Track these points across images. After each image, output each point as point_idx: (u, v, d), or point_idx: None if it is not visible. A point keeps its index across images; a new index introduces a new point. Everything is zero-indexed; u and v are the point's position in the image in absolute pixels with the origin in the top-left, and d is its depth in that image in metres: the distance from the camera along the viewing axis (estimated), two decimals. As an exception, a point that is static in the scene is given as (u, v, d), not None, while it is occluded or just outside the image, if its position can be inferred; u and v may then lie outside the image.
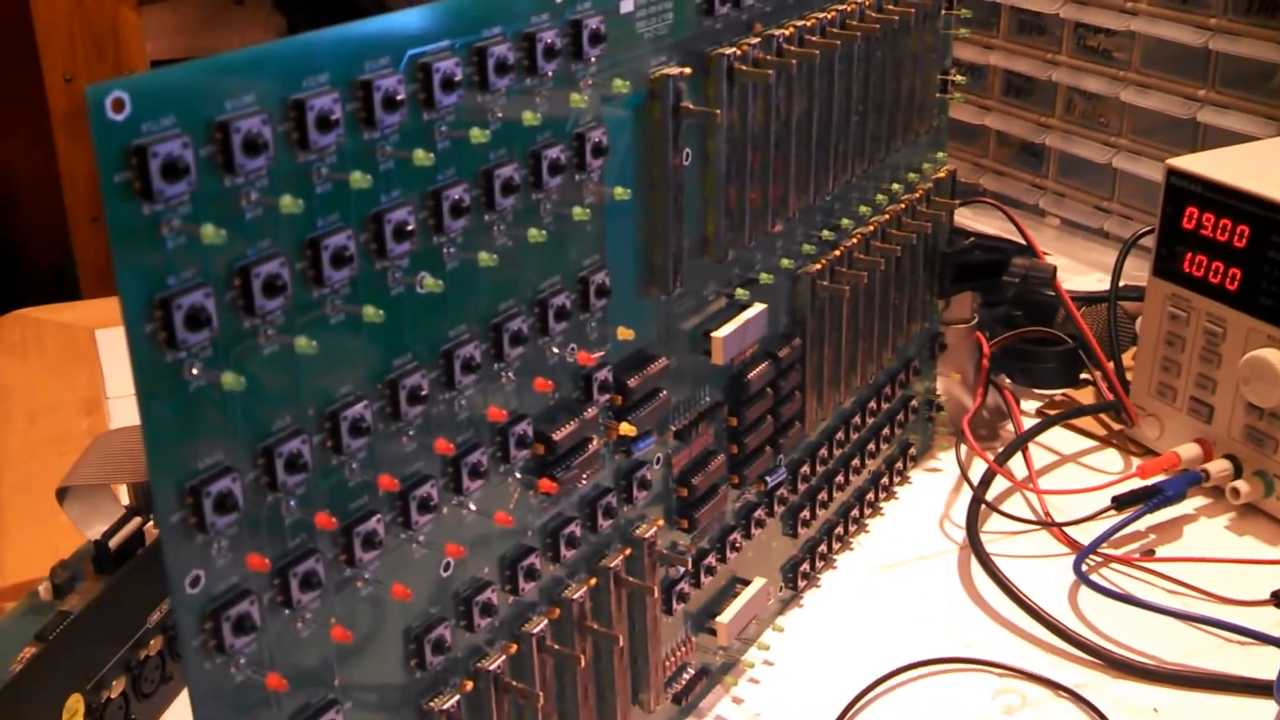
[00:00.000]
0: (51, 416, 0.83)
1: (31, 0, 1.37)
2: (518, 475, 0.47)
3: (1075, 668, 0.63)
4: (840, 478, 0.69)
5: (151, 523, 0.61)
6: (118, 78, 0.31)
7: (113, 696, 0.56)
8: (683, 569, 0.57)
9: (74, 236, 1.48)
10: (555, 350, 0.47)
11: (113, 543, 0.58)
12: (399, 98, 0.38)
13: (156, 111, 0.32)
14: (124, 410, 0.83)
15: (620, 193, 0.47)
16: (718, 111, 0.50)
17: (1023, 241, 0.78)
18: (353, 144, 0.38)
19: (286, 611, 0.39)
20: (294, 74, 0.36)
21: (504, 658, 0.47)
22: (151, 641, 0.58)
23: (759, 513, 0.62)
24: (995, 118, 1.06)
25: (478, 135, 0.40)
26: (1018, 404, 0.81)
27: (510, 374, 0.46)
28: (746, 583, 0.63)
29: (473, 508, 0.45)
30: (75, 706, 0.54)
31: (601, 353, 0.49)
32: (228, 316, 0.35)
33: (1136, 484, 0.73)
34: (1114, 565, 0.70)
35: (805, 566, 0.68)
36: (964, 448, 0.78)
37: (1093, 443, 0.81)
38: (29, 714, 0.52)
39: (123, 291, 0.33)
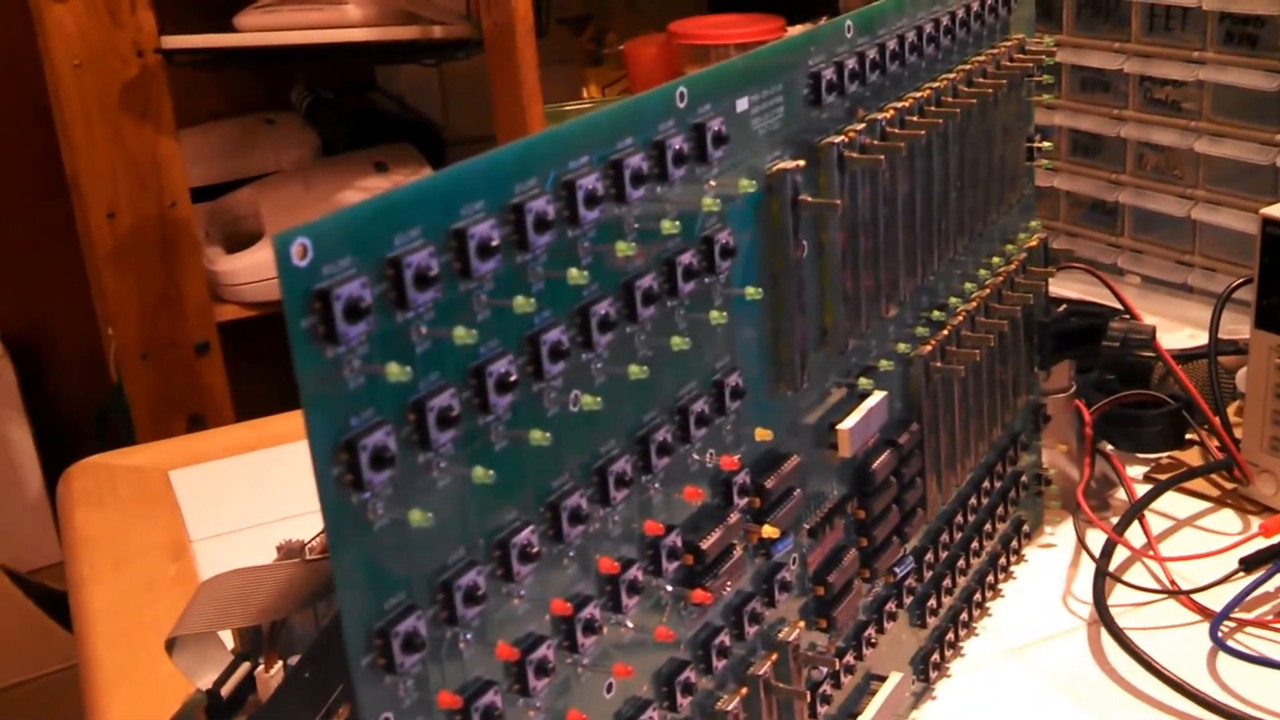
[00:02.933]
0: (137, 564, 0.84)
1: (69, 137, 1.40)
2: (669, 588, 0.48)
3: (1226, 739, 0.63)
4: (961, 562, 0.69)
5: (261, 668, 0.61)
6: (299, 227, 0.32)
7: None
8: (826, 669, 0.57)
9: (125, 375, 1.50)
10: (696, 457, 0.48)
11: (224, 690, 0.59)
12: (549, 217, 0.39)
13: (335, 253, 0.33)
14: (209, 552, 0.83)
15: (752, 292, 0.48)
16: (839, 201, 0.51)
17: (1112, 304, 0.79)
18: (507, 268, 0.39)
19: (471, 753, 0.40)
20: (454, 203, 0.37)
21: (669, 777, 0.48)
22: (283, 790, 0.59)
23: (890, 605, 0.63)
24: (1064, 179, 1.08)
25: (623, 249, 0.41)
26: (1125, 470, 0.82)
27: (657, 485, 0.46)
28: (881, 679, 0.63)
29: (630, 625, 0.46)
30: None
31: (739, 455, 0.50)
32: (405, 453, 0.36)
33: (1262, 543, 0.73)
34: (1249, 629, 0.70)
35: (935, 656, 0.68)
36: (1078, 521, 0.78)
37: (1207, 504, 0.82)
38: None
39: (312, 436, 0.34)
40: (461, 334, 0.36)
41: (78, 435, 1.84)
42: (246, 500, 0.80)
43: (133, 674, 0.74)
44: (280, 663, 0.62)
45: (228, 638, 0.63)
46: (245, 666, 0.60)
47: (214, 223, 1.63)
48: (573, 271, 0.40)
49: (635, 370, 0.43)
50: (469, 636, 0.39)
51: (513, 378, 0.38)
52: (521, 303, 0.38)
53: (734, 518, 0.50)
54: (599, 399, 0.42)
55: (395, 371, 0.34)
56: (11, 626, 1.30)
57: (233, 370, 1.54)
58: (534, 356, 0.40)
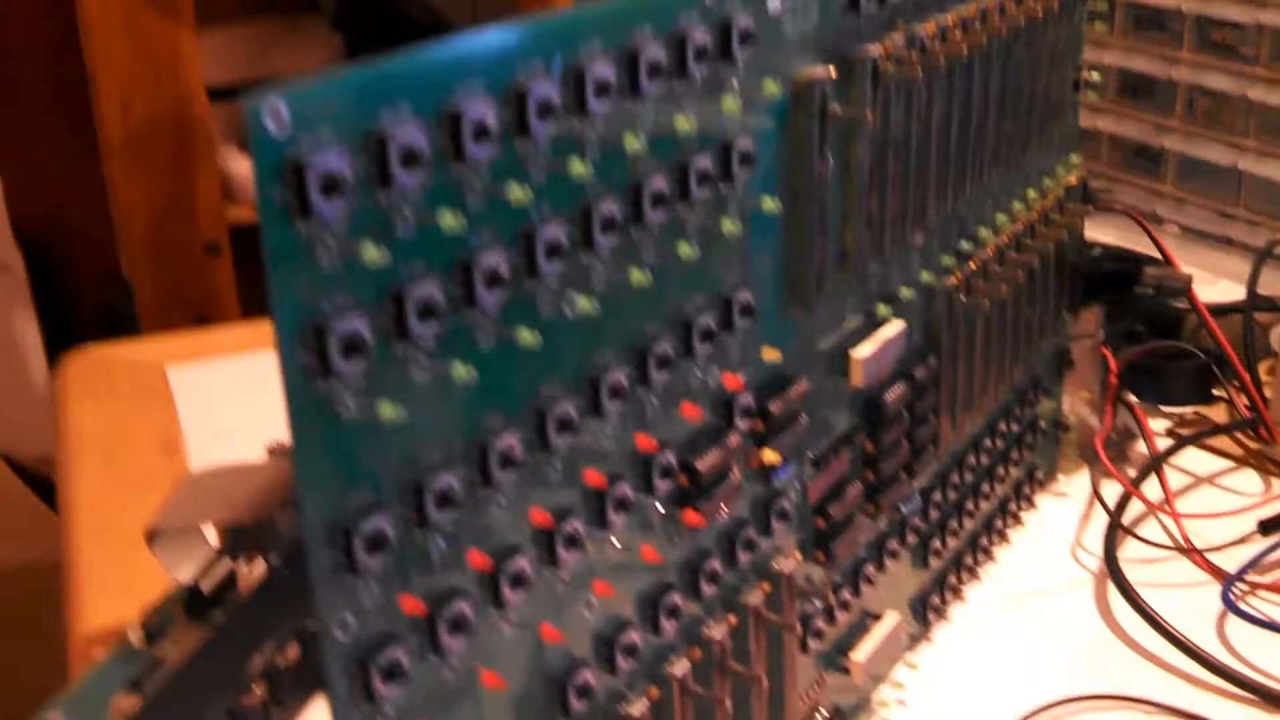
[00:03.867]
0: (128, 457, 0.83)
1: (87, 24, 1.37)
2: (660, 508, 0.46)
3: (1229, 704, 0.61)
4: (970, 504, 0.67)
5: (244, 564, 0.60)
6: (277, 90, 0.30)
7: (220, 746, 0.55)
8: (820, 603, 0.55)
9: (132, 270, 1.48)
10: (698, 374, 0.46)
11: (205, 586, 0.58)
12: (554, 104, 0.37)
13: (315, 121, 0.31)
14: (202, 450, 0.82)
15: (770, 204, 0.46)
16: (870, 115, 0.49)
17: (1150, 252, 0.76)
18: (505, 156, 0.36)
19: (434, 658, 0.38)
20: (449, 81, 0.34)
21: (646, 704, 0.46)
22: (255, 689, 0.57)
23: (892, 543, 0.61)
24: (1109, 120, 1.04)
25: (633, 145, 0.39)
26: (1147, 423, 0.79)
27: (655, 400, 0.44)
28: (878, 617, 0.61)
29: (616, 543, 0.44)
30: (183, 759, 0.53)
31: (744, 375, 0.48)
32: (381, 344, 0.34)
33: (1284, 507, 0.71)
34: (1262, 593, 0.68)
35: (935, 599, 0.66)
36: (1095, 471, 0.76)
37: (1229, 463, 0.79)
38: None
39: (277, 320, 0.31)
40: (449, 220, 0.34)
41: (86, 329, 1.82)
42: (243, 401, 0.78)
43: (114, 566, 0.72)
44: (263, 561, 0.60)
45: (212, 536, 0.62)
46: (227, 563, 0.59)
47: (231, 124, 1.60)
48: (576, 165, 0.37)
49: (638, 276, 0.41)
50: (440, 542, 0.37)
51: (503, 273, 0.36)
52: (518, 193, 0.36)
53: (734, 440, 0.48)
54: (596, 304, 0.40)
55: (372, 254, 0.32)
56: (6, 510, 1.29)
57: (241, 274, 1.52)
58: (528, 253, 0.38)
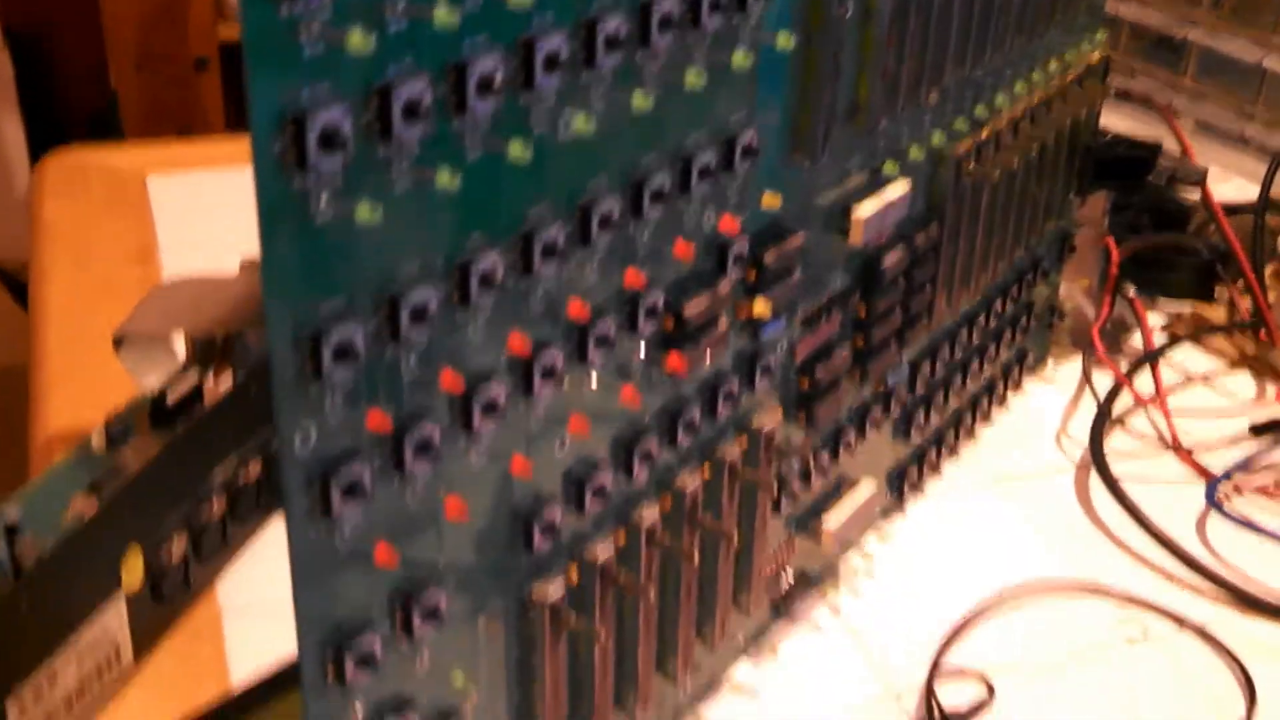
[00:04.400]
0: (101, 263, 0.81)
1: None
2: (643, 350, 0.44)
3: (1204, 602, 0.61)
4: (957, 382, 0.66)
5: (211, 379, 0.58)
6: None
7: (173, 556, 0.54)
8: (797, 464, 0.54)
9: (117, 78, 1.45)
10: (695, 214, 0.44)
11: (170, 398, 0.56)
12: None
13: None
14: (178, 262, 0.80)
15: (784, 40, 0.44)
16: (895, -43, 0.47)
17: (1166, 144, 0.74)
18: (509, -45, 0.34)
19: (397, 479, 0.36)
20: None
21: (612, 547, 0.45)
22: (214, 501, 0.56)
23: (875, 412, 0.59)
24: (1132, 8, 1.01)
25: (644, -43, 0.37)
26: (1146, 316, 0.78)
27: (647, 236, 0.42)
28: (853, 485, 0.60)
29: (594, 381, 0.42)
30: (134, 562, 0.52)
31: (741, 220, 0.46)
32: (362, 142, 0.32)
33: (1277, 412, 0.70)
34: (1248, 496, 0.67)
35: (913, 473, 0.65)
36: (1087, 360, 0.75)
37: (1224, 364, 0.78)
38: (87, 566, 0.50)
39: (254, 105, 0.30)
40: (444, 17, 0.32)
41: (71, 134, 1.79)
42: (222, 215, 0.76)
43: (80, 371, 0.71)
44: (230, 377, 0.59)
45: (180, 348, 0.60)
46: (194, 376, 0.57)
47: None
48: (581, -30, 0.35)
49: (640, 100, 0.39)
50: (412, 360, 0.36)
51: (497, 80, 0.34)
52: (518, -4, 0.34)
53: (725, 287, 0.46)
54: (594, 125, 0.38)
55: (358, 42, 0.30)
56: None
57: (230, 94, 1.48)
58: (526, 63, 0.36)
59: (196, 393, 0.57)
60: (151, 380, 0.58)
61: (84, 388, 0.69)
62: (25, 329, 0.77)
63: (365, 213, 0.32)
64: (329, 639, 0.36)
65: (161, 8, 1.40)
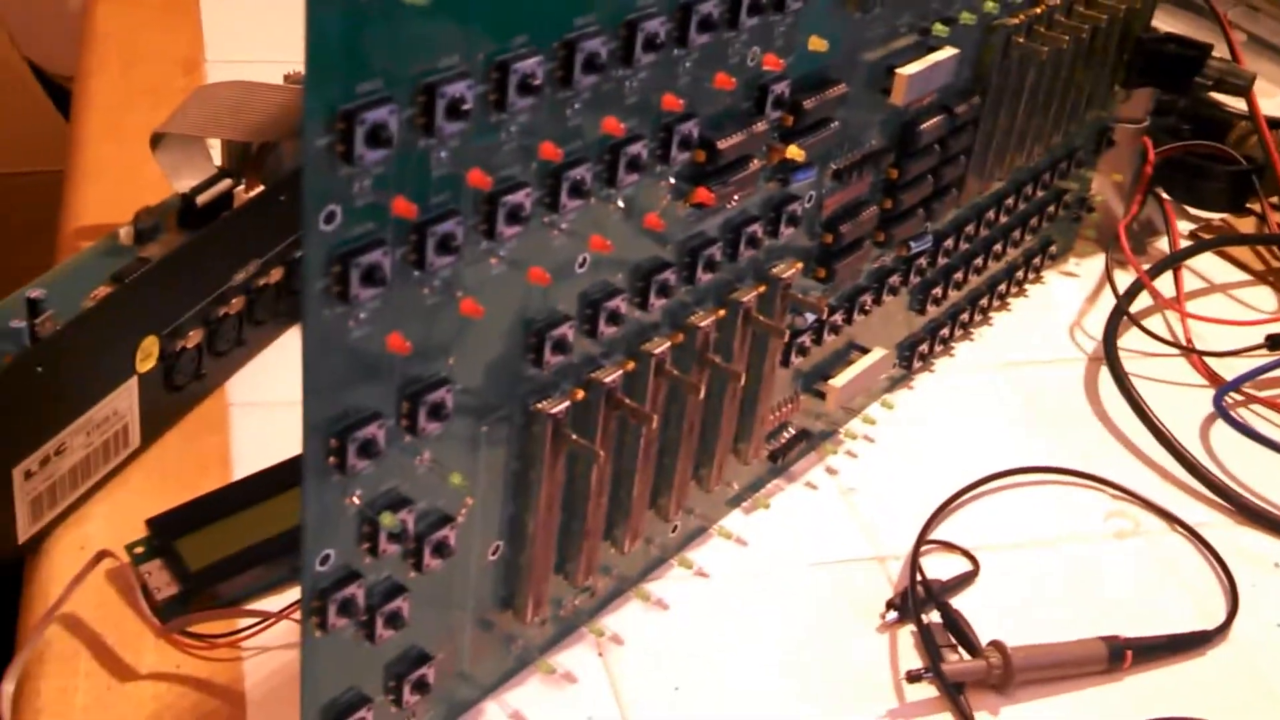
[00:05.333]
0: (148, 68, 0.81)
1: None
2: (672, 180, 0.44)
3: (1198, 505, 0.61)
4: (979, 261, 0.66)
5: (242, 187, 0.59)
6: None
7: (187, 347, 0.55)
8: (813, 318, 0.54)
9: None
10: (739, 49, 0.44)
11: (201, 199, 0.57)
12: None
13: None
14: (224, 74, 0.79)
15: (850, -121, 0.43)
16: None
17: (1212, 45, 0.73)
18: None
19: (417, 272, 0.37)
20: None
21: (620, 373, 0.45)
22: (233, 301, 0.57)
23: (894, 279, 0.60)
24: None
25: None
26: (1175, 220, 0.77)
27: (689, 64, 0.42)
28: (864, 350, 0.60)
29: (621, 204, 0.42)
30: (150, 349, 0.53)
31: (786, 62, 0.46)
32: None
33: (1293, 327, 0.70)
34: (1256, 407, 0.67)
35: (924, 348, 0.65)
36: (1110, 256, 0.74)
37: (1248, 276, 0.78)
38: (103, 346, 0.51)
39: None
40: None
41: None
42: (272, 34, 0.76)
43: (115, 168, 0.71)
44: (261, 186, 0.59)
45: (218, 155, 0.60)
46: (226, 182, 0.58)
47: None
48: None
49: (697, -82, 0.38)
50: (443, 154, 0.36)
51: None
52: None
53: (761, 126, 0.46)
54: (647, -64, 0.37)
55: None
56: (28, 120, 1.27)
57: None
58: None
59: (227, 197, 0.58)
60: (185, 181, 0.58)
61: (119, 185, 0.69)
62: (66, 137, 0.78)
63: (413, -7, 0.31)
64: (334, 423, 0.37)
65: None
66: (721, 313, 0.49)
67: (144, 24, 0.86)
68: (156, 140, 0.59)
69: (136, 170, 0.62)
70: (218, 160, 0.60)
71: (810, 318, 0.54)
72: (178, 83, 0.79)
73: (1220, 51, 0.73)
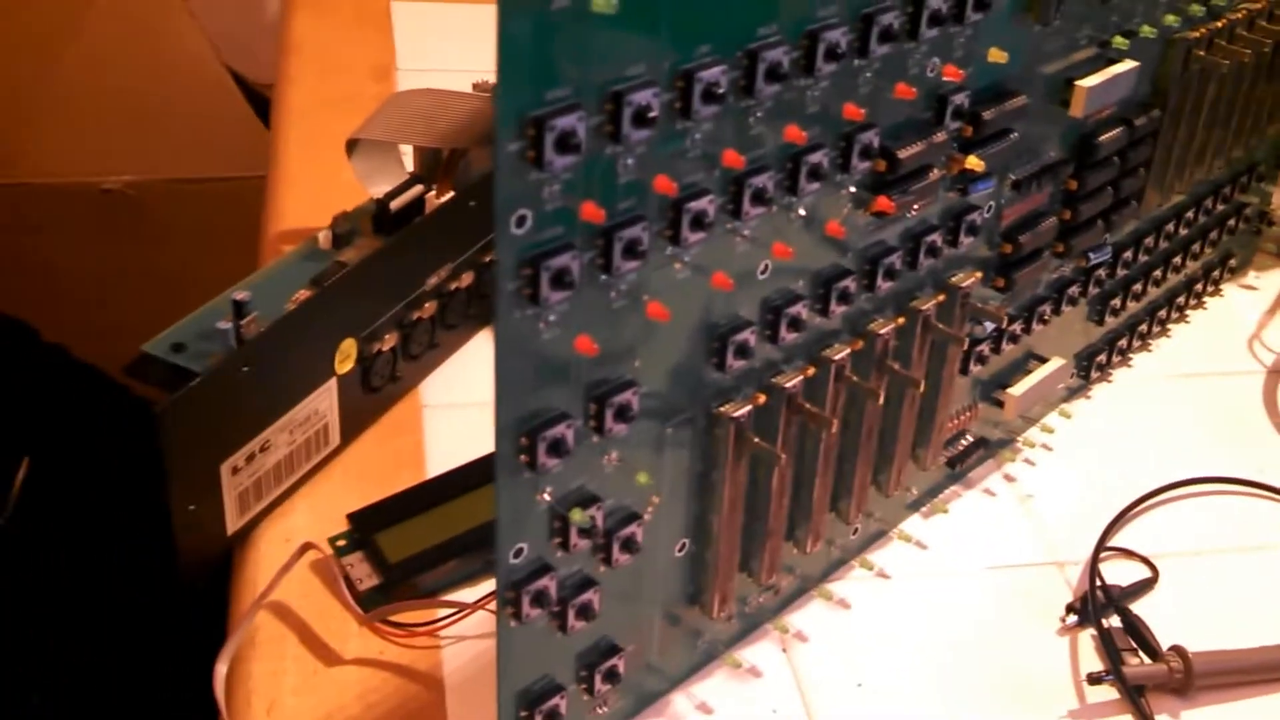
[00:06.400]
0: (341, 77, 0.81)
1: None
2: (852, 189, 0.43)
3: (1375, 520, 0.58)
4: (1158, 273, 0.63)
5: (433, 193, 0.59)
6: None
7: (383, 350, 0.55)
8: (992, 327, 0.52)
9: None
10: (919, 58, 0.42)
11: (394, 204, 0.57)
12: None
13: None
14: (415, 82, 0.80)
15: (1030, -110, 0.41)
16: None
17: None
18: None
19: (604, 277, 0.36)
20: None
21: (800, 379, 0.44)
22: (425, 305, 0.57)
23: (1073, 290, 0.57)
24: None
25: None
26: (1357, 234, 0.73)
27: (870, 74, 0.41)
28: (1043, 360, 0.58)
29: (802, 212, 0.41)
30: (349, 350, 0.53)
31: (966, 73, 0.44)
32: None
33: None
34: None
35: (1102, 358, 0.62)
36: (1291, 268, 0.71)
37: None
38: (305, 348, 0.51)
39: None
40: None
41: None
42: (461, 44, 0.76)
43: (312, 173, 0.72)
44: (452, 193, 0.59)
45: (409, 162, 0.61)
46: (418, 188, 0.58)
47: None
48: None
49: (879, -72, 0.37)
50: (629, 161, 0.35)
51: (743, -112, 0.33)
52: None
53: (941, 136, 0.44)
54: (830, -54, 0.36)
55: None
56: (230, 128, 1.30)
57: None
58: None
59: (419, 203, 0.58)
60: (379, 187, 0.58)
61: (316, 190, 0.70)
62: (266, 144, 0.79)
63: (601, 3, 0.31)
64: (525, 422, 0.36)
65: None
66: (901, 320, 0.47)
67: (338, 33, 0.87)
68: (351, 147, 0.59)
69: (334, 175, 0.62)
70: (410, 166, 0.60)
71: (989, 327, 0.52)
72: (370, 90, 0.79)
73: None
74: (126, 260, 1.27)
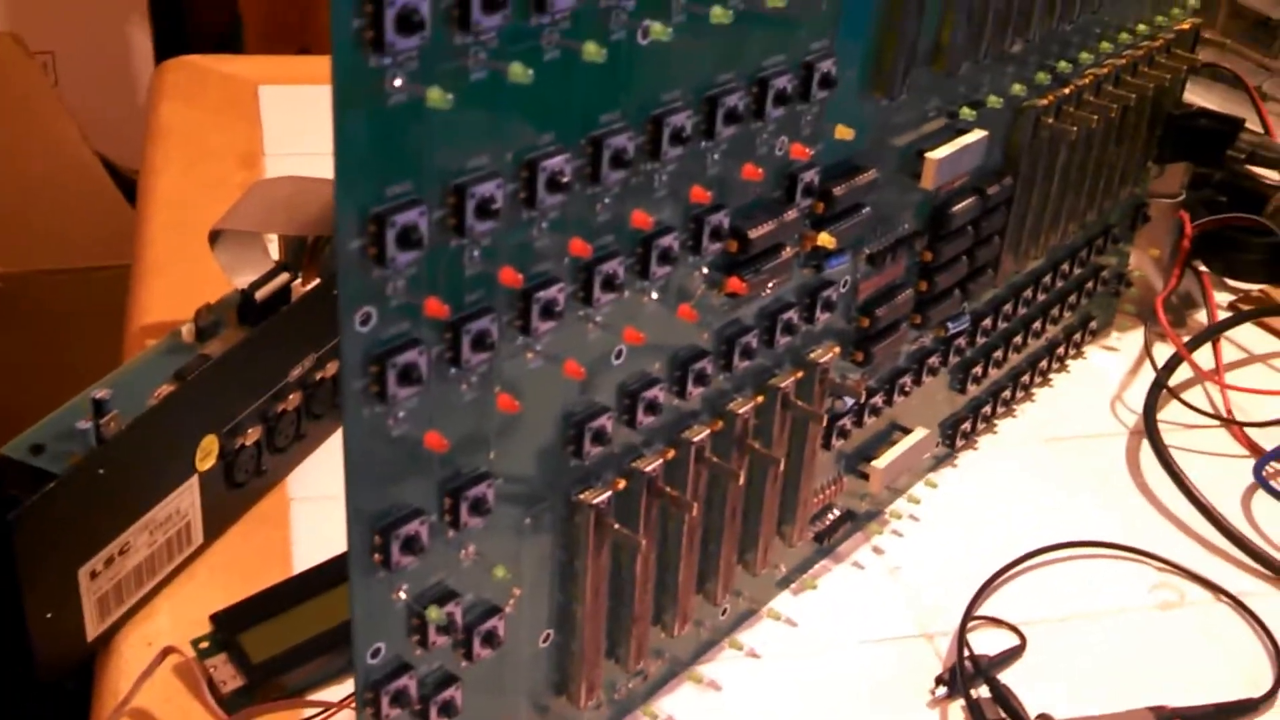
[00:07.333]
0: (209, 165, 0.81)
1: None
2: (705, 270, 0.43)
3: (1242, 575, 0.59)
4: (1018, 339, 0.65)
5: (299, 280, 0.58)
6: None
7: (247, 444, 0.54)
8: (852, 401, 0.53)
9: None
10: (767, 139, 0.43)
11: (259, 294, 0.56)
12: None
13: None
14: (282, 168, 0.80)
15: (869, -28, 0.43)
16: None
17: (1252, 125, 0.72)
18: None
19: (453, 370, 0.36)
20: None
21: (660, 462, 0.44)
22: (290, 396, 0.56)
23: (933, 360, 0.58)
24: (1231, -14, 0.99)
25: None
26: (1212, 293, 0.76)
27: (717, 155, 0.42)
28: (906, 431, 0.59)
29: (655, 296, 0.42)
30: (210, 447, 0.53)
31: (814, 150, 0.45)
32: (441, 28, 0.32)
33: (1334, 394, 0.68)
34: (1296, 476, 0.65)
35: (967, 425, 0.64)
36: (1149, 330, 0.73)
37: (1286, 345, 0.76)
38: (165, 446, 0.51)
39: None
40: (529, -93, 0.31)
41: (198, 49, 1.79)
42: (328, 128, 0.76)
43: (178, 263, 0.71)
44: (318, 280, 0.59)
45: (275, 249, 0.60)
46: (284, 276, 0.58)
47: None
48: (672, -121, 0.34)
49: (719, 13, 0.38)
50: (475, 253, 0.35)
51: (577, -20, 0.33)
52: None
53: (792, 214, 0.45)
54: (670, 32, 0.37)
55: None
56: (99, 214, 1.28)
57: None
58: (609, -34, 0.35)
59: (285, 291, 0.58)
60: (243, 277, 0.58)
61: (181, 281, 0.69)
62: (135, 232, 0.78)
63: (437, 98, 0.31)
64: (377, 520, 0.36)
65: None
66: (760, 399, 0.48)
67: (206, 119, 0.86)
68: (215, 238, 0.59)
69: (200, 265, 0.62)
70: (276, 254, 0.60)
71: (849, 401, 0.53)
72: (237, 178, 0.79)
73: (1253, 123, 0.72)
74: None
